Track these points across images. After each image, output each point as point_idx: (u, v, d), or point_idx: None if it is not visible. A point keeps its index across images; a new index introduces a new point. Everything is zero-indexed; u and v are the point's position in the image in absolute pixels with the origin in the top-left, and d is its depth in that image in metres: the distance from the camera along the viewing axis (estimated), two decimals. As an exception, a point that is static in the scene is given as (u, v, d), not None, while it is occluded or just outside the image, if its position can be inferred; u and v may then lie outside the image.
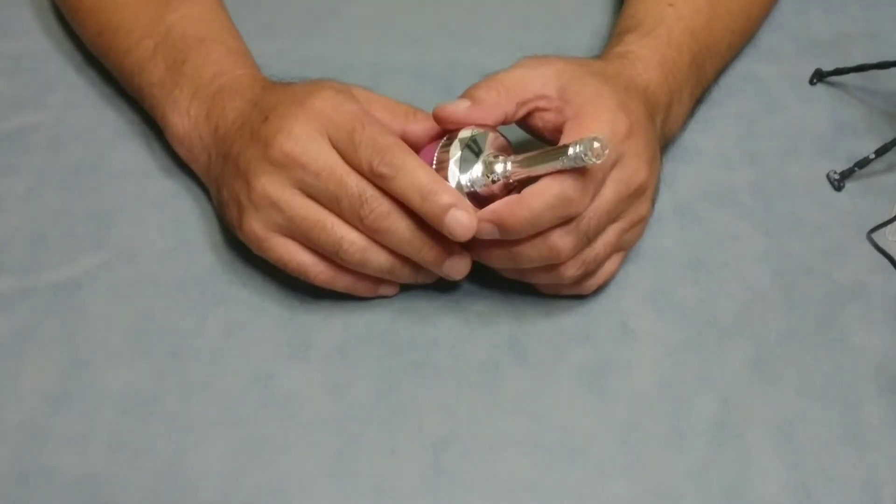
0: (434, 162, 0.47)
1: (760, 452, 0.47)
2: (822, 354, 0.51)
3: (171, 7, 0.56)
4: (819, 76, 0.64)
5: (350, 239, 0.46)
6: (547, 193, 0.44)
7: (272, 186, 0.46)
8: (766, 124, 0.62)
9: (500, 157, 0.47)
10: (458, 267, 0.48)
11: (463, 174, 0.46)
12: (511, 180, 0.46)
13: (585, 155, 0.42)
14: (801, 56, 0.66)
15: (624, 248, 0.51)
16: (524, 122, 0.50)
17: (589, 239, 0.47)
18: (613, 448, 0.47)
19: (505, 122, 0.48)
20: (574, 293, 0.51)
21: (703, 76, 0.58)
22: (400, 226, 0.46)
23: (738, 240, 0.56)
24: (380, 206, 0.45)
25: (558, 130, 0.47)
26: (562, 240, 0.46)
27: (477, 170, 0.46)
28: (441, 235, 0.46)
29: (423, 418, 0.48)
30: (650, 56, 0.54)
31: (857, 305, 0.53)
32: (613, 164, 0.46)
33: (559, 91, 0.48)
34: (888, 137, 0.58)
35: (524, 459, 0.47)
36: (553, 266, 0.48)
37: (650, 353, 0.51)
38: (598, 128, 0.46)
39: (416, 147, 0.48)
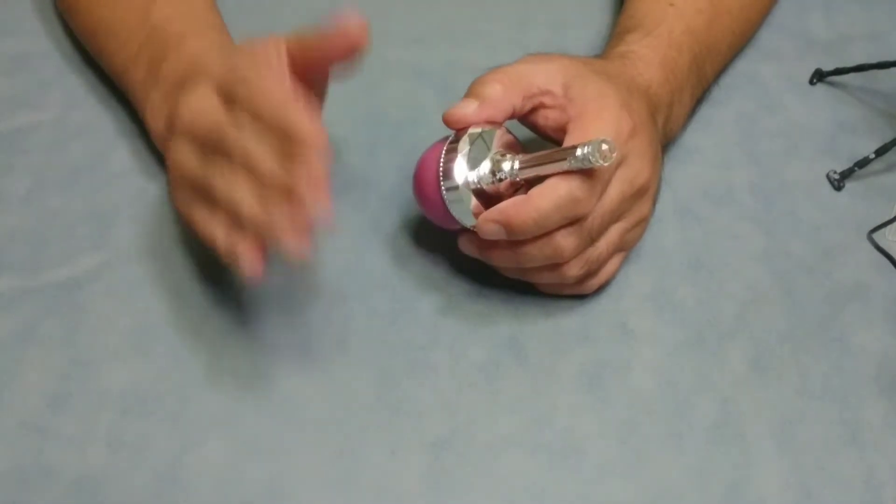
0: (442, 158, 0.47)
1: (760, 452, 0.47)
2: (822, 354, 0.51)
3: (156, 6, 0.56)
4: (819, 76, 0.64)
5: (222, 174, 0.43)
6: (554, 194, 0.44)
7: (174, 152, 0.46)
8: (766, 124, 0.62)
9: (508, 156, 0.47)
10: (318, 208, 0.42)
11: (470, 171, 0.46)
12: (518, 179, 0.46)
13: (593, 156, 0.42)
14: (801, 56, 0.66)
15: (626, 247, 0.51)
16: (527, 119, 0.50)
17: (592, 238, 0.47)
18: (613, 448, 0.47)
19: (512, 117, 0.48)
20: (575, 293, 0.51)
21: (704, 76, 0.59)
22: (260, 158, 0.42)
23: (738, 240, 0.56)
24: (241, 140, 0.43)
25: (561, 129, 0.47)
26: (565, 239, 0.46)
27: (484, 167, 0.47)
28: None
29: (423, 418, 0.48)
30: (651, 56, 0.54)
31: (857, 305, 0.53)
32: (618, 165, 0.46)
33: (563, 88, 0.48)
34: (888, 137, 0.58)
35: (524, 459, 0.47)
36: (556, 265, 0.48)
37: (650, 353, 0.51)
38: (601, 127, 0.46)
39: (316, 60, 0.45)
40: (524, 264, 0.48)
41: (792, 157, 0.60)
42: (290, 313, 0.51)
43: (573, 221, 0.45)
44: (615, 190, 0.46)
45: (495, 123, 0.48)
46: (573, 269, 0.48)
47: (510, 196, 0.46)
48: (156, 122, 0.53)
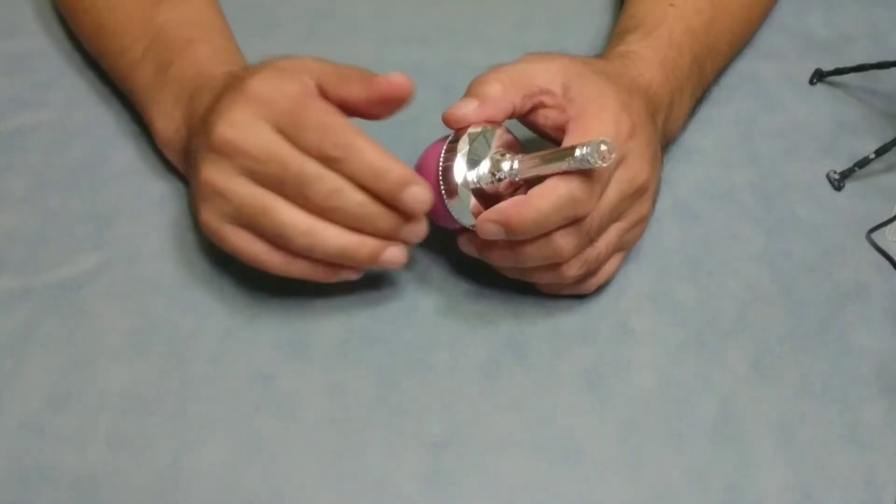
0: (441, 157, 0.47)
1: (760, 452, 0.47)
2: (822, 354, 0.51)
3: (162, 9, 0.56)
4: (819, 76, 0.64)
5: (293, 223, 0.45)
6: (554, 194, 0.44)
7: (216, 175, 0.45)
8: (766, 124, 0.62)
9: (508, 156, 0.47)
10: (417, 231, 0.47)
11: (470, 171, 0.46)
12: (517, 179, 0.46)
13: (592, 157, 0.42)
14: (801, 56, 0.66)
15: (625, 247, 0.51)
16: (526, 119, 0.50)
17: (591, 238, 0.47)
18: (613, 448, 0.47)
19: (512, 116, 0.48)
20: (575, 293, 0.51)
21: (704, 76, 0.59)
22: (350, 202, 0.44)
23: (738, 240, 0.56)
24: (326, 185, 0.44)
25: (561, 128, 0.47)
26: (564, 239, 0.46)
27: (484, 167, 0.47)
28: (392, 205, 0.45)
29: (423, 418, 0.48)
30: (652, 56, 0.54)
31: (857, 305, 0.53)
32: (617, 165, 0.46)
33: (563, 88, 0.48)
34: (888, 137, 0.58)
35: (524, 459, 0.47)
36: (555, 265, 0.48)
37: (650, 353, 0.51)
38: (601, 127, 0.46)
39: (355, 107, 0.47)
40: (523, 264, 0.48)
41: (792, 157, 0.60)
42: (289, 313, 0.51)
43: (572, 221, 0.45)
44: (614, 190, 0.46)
45: (495, 123, 0.48)
46: (572, 269, 0.48)
47: (510, 196, 0.46)
48: (164, 124, 0.53)
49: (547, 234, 0.45)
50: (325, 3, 0.68)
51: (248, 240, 0.46)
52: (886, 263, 0.53)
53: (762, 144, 0.61)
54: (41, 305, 0.51)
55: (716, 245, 0.55)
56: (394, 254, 0.46)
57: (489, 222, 0.45)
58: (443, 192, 0.46)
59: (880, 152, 0.58)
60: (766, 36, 0.67)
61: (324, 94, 0.46)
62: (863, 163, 0.58)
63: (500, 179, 0.46)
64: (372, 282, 0.52)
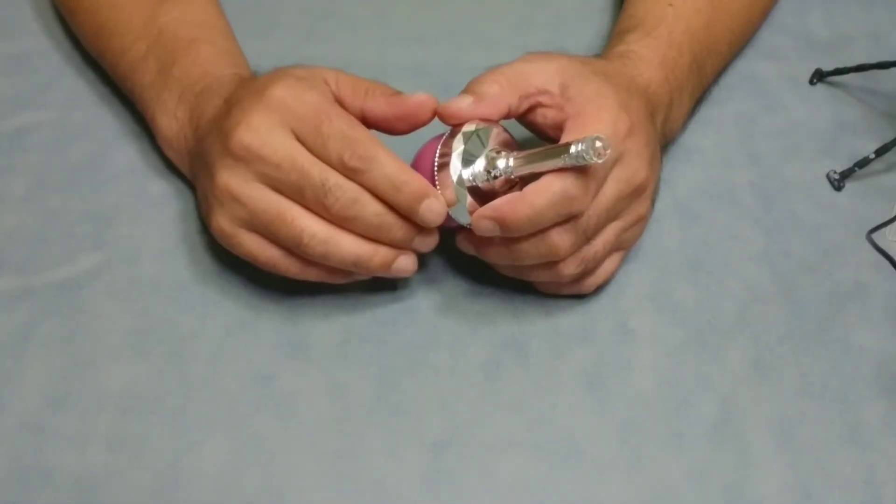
0: (437, 155, 0.47)
1: (760, 452, 0.47)
2: (822, 354, 0.51)
3: (164, 8, 0.56)
4: (819, 76, 0.64)
5: (311, 232, 0.45)
6: (549, 191, 0.44)
7: (233, 180, 0.46)
8: (766, 124, 0.62)
9: (503, 153, 0.47)
10: (429, 242, 0.48)
11: (465, 168, 0.46)
12: (513, 176, 0.46)
13: (587, 154, 0.42)
14: (801, 56, 0.66)
15: (623, 247, 0.51)
16: (525, 118, 0.50)
17: (588, 237, 0.47)
18: (613, 448, 0.47)
19: (508, 116, 0.48)
20: (573, 292, 0.51)
21: (704, 76, 0.59)
22: (367, 212, 0.45)
23: (738, 240, 0.56)
24: (345, 194, 0.44)
25: (559, 128, 0.47)
26: (560, 237, 0.46)
27: (479, 164, 0.47)
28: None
29: (423, 418, 0.48)
30: (651, 56, 0.54)
31: (857, 305, 0.53)
32: (614, 163, 0.46)
33: (561, 88, 0.48)
34: (888, 137, 0.58)
35: (524, 459, 0.47)
36: (552, 263, 0.48)
37: (650, 353, 0.51)
38: (599, 126, 0.46)
39: (375, 122, 0.47)
40: (520, 262, 0.48)
41: (792, 157, 0.60)
42: (289, 313, 0.51)
43: (568, 219, 0.45)
44: (611, 188, 0.46)
45: (491, 121, 0.48)
46: (569, 268, 0.48)
47: (506, 194, 0.46)
48: (166, 123, 0.53)
49: (543, 231, 0.45)
50: (325, 3, 0.68)
51: (263, 245, 0.47)
52: (886, 263, 0.53)
53: (762, 144, 0.61)
54: (41, 305, 0.51)
55: (716, 245, 0.55)
56: (405, 262, 0.48)
57: (484, 219, 0.45)
58: (438, 189, 0.46)
59: (880, 152, 0.58)
60: (766, 36, 0.67)
61: (341, 103, 0.47)
62: (863, 163, 0.58)
63: (495, 177, 0.46)
64: (372, 282, 0.52)
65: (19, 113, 0.60)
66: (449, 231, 0.50)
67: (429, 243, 0.48)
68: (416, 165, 0.48)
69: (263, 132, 0.45)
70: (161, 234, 0.54)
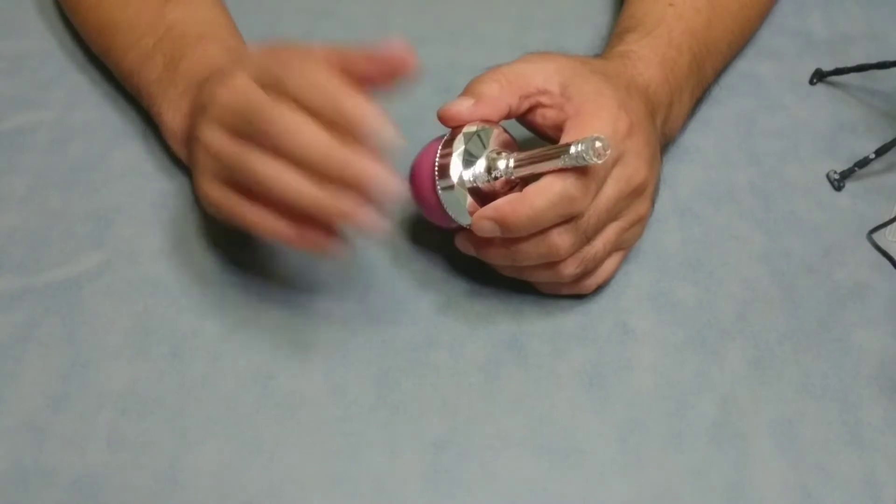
0: (437, 156, 0.47)
1: (760, 452, 0.47)
2: (822, 354, 0.51)
3: (171, 5, 0.56)
4: (819, 76, 0.64)
5: (264, 159, 0.43)
6: (549, 191, 0.44)
7: (206, 133, 0.45)
8: (766, 124, 0.62)
9: (503, 154, 0.47)
10: (387, 185, 0.42)
11: (466, 169, 0.46)
12: (513, 177, 0.46)
13: (587, 154, 0.42)
14: (801, 56, 0.66)
15: (623, 247, 0.51)
16: (524, 118, 0.50)
17: (588, 237, 0.47)
18: (613, 448, 0.47)
19: (508, 117, 0.48)
20: (573, 292, 0.51)
21: (704, 76, 0.59)
22: (315, 136, 0.42)
23: (738, 240, 0.56)
24: (292, 118, 0.42)
25: (559, 128, 0.47)
26: (560, 237, 0.46)
27: (480, 165, 0.47)
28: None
29: (423, 418, 0.48)
30: (651, 56, 0.54)
31: (857, 305, 0.53)
32: (614, 163, 0.46)
33: (561, 87, 0.48)
34: (888, 137, 0.58)
35: (524, 459, 0.47)
36: (552, 264, 0.48)
37: (650, 353, 0.51)
38: (599, 126, 0.46)
39: (361, 81, 0.45)
40: (520, 262, 0.48)
41: (792, 157, 0.60)
42: (290, 313, 0.51)
43: (569, 219, 0.45)
44: (611, 188, 0.46)
45: (491, 122, 0.48)
46: (569, 268, 0.48)
47: (506, 194, 0.46)
48: (172, 115, 0.53)
49: (543, 231, 0.45)
50: (325, 3, 0.68)
51: (237, 200, 0.45)
52: (886, 263, 0.54)
53: (762, 144, 0.61)
54: (41, 305, 0.51)
55: (716, 245, 0.55)
56: (369, 214, 0.43)
57: (485, 219, 0.45)
58: (439, 191, 0.46)
59: (880, 152, 0.58)
60: (766, 36, 0.67)
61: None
62: (863, 163, 0.58)
63: (495, 178, 0.46)
64: (372, 282, 0.52)
65: (19, 113, 0.60)
66: (449, 231, 0.50)
67: (387, 185, 0.42)
68: (416, 167, 0.48)
69: (232, 83, 0.44)
70: (161, 234, 0.54)
